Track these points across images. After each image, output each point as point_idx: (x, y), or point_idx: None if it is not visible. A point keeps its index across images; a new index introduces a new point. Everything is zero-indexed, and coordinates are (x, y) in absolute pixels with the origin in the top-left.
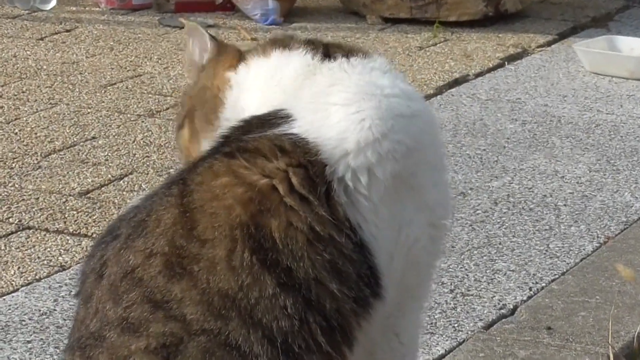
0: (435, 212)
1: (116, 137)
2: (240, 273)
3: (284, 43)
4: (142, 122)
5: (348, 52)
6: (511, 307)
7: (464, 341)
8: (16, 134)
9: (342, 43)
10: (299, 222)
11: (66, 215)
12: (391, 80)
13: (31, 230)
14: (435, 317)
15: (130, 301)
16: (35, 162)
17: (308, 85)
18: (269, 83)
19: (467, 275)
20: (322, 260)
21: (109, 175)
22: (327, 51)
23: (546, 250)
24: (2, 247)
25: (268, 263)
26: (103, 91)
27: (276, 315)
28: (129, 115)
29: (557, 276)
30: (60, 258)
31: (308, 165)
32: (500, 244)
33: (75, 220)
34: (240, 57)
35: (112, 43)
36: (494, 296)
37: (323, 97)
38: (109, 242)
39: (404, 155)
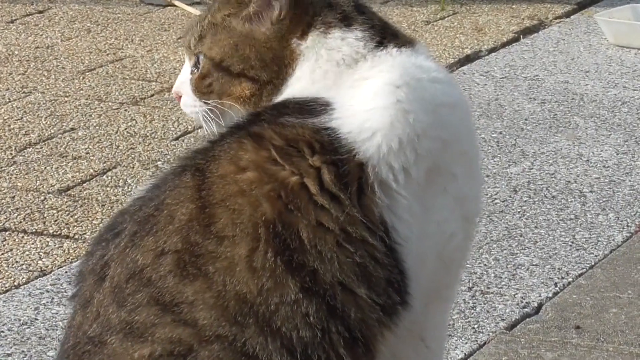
0: (469, 205)
1: (97, 127)
2: (261, 275)
3: (346, 19)
4: (125, 110)
5: (403, 44)
6: (535, 305)
7: (485, 343)
8: None
9: (400, 32)
10: (329, 222)
11: (45, 215)
12: (434, 64)
13: (7, 232)
14: (453, 317)
15: (135, 303)
16: (10, 157)
17: (351, 73)
18: (318, 65)
19: (487, 271)
20: (352, 263)
21: (91, 170)
22: (382, 39)
23: (572, 242)
24: None
25: (294, 265)
26: (81, 77)
27: (297, 323)
28: (110, 104)
29: (584, 270)
30: (40, 262)
31: (341, 162)
32: (521, 236)
33: (56, 220)
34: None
35: (89, 24)
36: (517, 293)
37: (364, 83)
38: (111, 240)
39: (441, 149)
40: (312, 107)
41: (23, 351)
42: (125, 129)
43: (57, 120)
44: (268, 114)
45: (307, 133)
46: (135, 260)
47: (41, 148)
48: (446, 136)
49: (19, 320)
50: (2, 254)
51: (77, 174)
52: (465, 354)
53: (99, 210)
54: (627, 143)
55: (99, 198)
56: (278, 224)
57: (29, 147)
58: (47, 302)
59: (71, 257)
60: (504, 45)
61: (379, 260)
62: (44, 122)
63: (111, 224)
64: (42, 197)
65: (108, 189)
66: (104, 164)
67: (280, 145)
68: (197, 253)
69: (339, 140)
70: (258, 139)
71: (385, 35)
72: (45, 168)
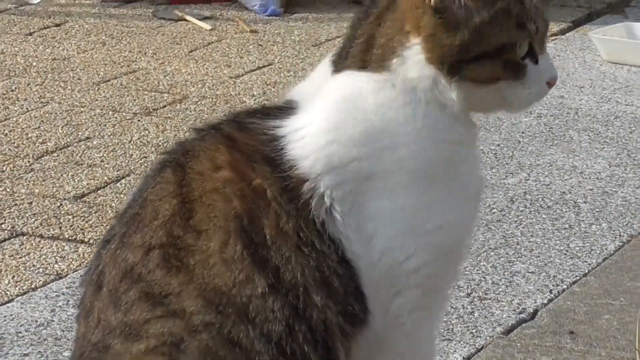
0: (418, 220)
1: (111, 137)
2: (233, 268)
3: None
4: (139, 120)
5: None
6: (531, 311)
7: (482, 348)
8: (6, 135)
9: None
10: (286, 225)
11: (61, 221)
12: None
13: (25, 237)
14: (452, 322)
15: (129, 302)
16: (27, 164)
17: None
18: None
19: (484, 278)
20: (309, 267)
21: (105, 178)
22: (345, 59)
23: (566, 251)
24: None
25: (258, 259)
26: (96, 88)
27: (267, 316)
28: (124, 114)
29: (578, 278)
30: (56, 266)
31: (285, 177)
32: (518, 244)
33: (71, 226)
34: None
35: (104, 37)
36: (513, 300)
37: (317, 97)
38: (103, 248)
39: (373, 167)
40: (283, 109)
41: (40, 351)
42: (139, 138)
43: (73, 130)
44: (243, 115)
45: (262, 140)
46: (126, 259)
47: (57, 156)
48: (378, 150)
49: (36, 321)
50: (20, 257)
51: (92, 181)
52: (463, 357)
53: (113, 216)
54: (619, 156)
55: (113, 204)
56: (245, 218)
57: (46, 155)
58: (63, 304)
59: (86, 261)
60: None
61: (335, 270)
62: (60, 131)
63: (106, 234)
64: (59, 203)
65: (122, 196)
66: (118, 172)
67: (244, 150)
68: (180, 246)
69: (284, 153)
70: (231, 141)
71: (347, 56)
72: (61, 175)
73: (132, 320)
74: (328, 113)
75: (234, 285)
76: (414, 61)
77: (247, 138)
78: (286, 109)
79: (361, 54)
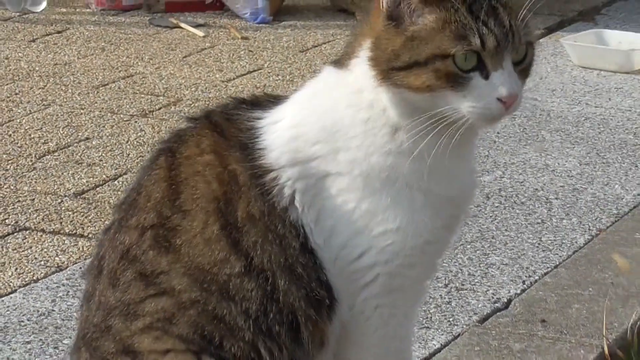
0: (370, 218)
1: (110, 137)
2: (213, 248)
3: None
4: (135, 122)
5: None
6: (505, 300)
7: (459, 335)
8: (10, 135)
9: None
10: (254, 209)
11: (62, 216)
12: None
13: (27, 232)
14: (431, 311)
15: (126, 282)
16: (30, 163)
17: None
18: None
19: (461, 269)
20: (274, 252)
21: (104, 176)
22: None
23: (539, 244)
24: None
25: (231, 240)
26: (96, 92)
27: (244, 295)
28: (122, 116)
29: (550, 269)
30: (57, 258)
31: (256, 166)
32: (493, 238)
33: (71, 221)
34: None
35: (103, 44)
36: (488, 290)
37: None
38: (104, 235)
39: (330, 161)
40: (272, 101)
41: (41, 339)
42: (135, 138)
43: (74, 131)
44: (232, 105)
45: (242, 129)
46: (123, 241)
47: (59, 155)
48: (335, 147)
49: (38, 311)
50: (23, 251)
51: (91, 179)
52: (441, 344)
53: (111, 212)
54: (589, 155)
55: (111, 201)
56: (222, 200)
57: (48, 155)
58: (63, 295)
59: (85, 254)
60: None
61: (297, 257)
62: (61, 132)
63: (106, 225)
64: (59, 200)
65: (119, 192)
66: (116, 170)
67: (227, 136)
68: (168, 226)
69: (258, 142)
70: (217, 128)
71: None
72: (62, 174)
73: (129, 299)
74: (297, 108)
75: (214, 264)
76: (363, 62)
77: (231, 126)
78: (275, 101)
79: (343, 51)
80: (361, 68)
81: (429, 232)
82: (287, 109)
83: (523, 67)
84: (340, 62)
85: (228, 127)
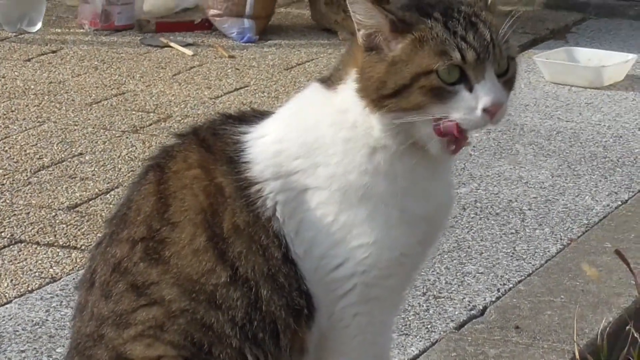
0: (347, 231)
1: (102, 152)
2: (200, 259)
3: None
4: (127, 138)
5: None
6: (481, 307)
7: (436, 341)
8: (6, 151)
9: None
10: (239, 219)
11: (56, 229)
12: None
13: (23, 244)
14: (409, 319)
15: (118, 294)
16: (25, 178)
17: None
18: None
19: (439, 278)
20: (258, 262)
21: (96, 190)
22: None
23: (513, 253)
24: None
25: (217, 251)
26: (89, 109)
27: (230, 304)
28: (114, 132)
29: (523, 277)
30: (51, 270)
31: (241, 179)
32: (469, 247)
33: (65, 234)
34: None
35: (96, 63)
36: (465, 298)
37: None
38: (96, 249)
39: (310, 175)
40: (258, 116)
41: (35, 348)
42: (127, 154)
43: (67, 146)
44: (220, 120)
45: (229, 143)
46: (114, 254)
47: (53, 170)
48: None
49: (32, 321)
50: (18, 263)
51: (84, 193)
52: (419, 350)
53: (103, 224)
54: (561, 167)
55: (103, 214)
56: (209, 212)
57: (42, 170)
58: (57, 305)
59: (78, 266)
60: None
61: (280, 267)
62: (55, 148)
63: (97, 240)
64: (54, 213)
65: (111, 206)
66: (108, 185)
67: (213, 150)
68: (158, 239)
69: (243, 156)
70: (204, 143)
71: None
72: (56, 188)
73: (121, 310)
74: (281, 123)
75: (202, 274)
76: (350, 89)
77: (218, 141)
78: (261, 116)
79: (330, 72)
80: (347, 93)
81: (404, 246)
82: (272, 125)
83: (506, 79)
84: (328, 82)
85: (214, 142)
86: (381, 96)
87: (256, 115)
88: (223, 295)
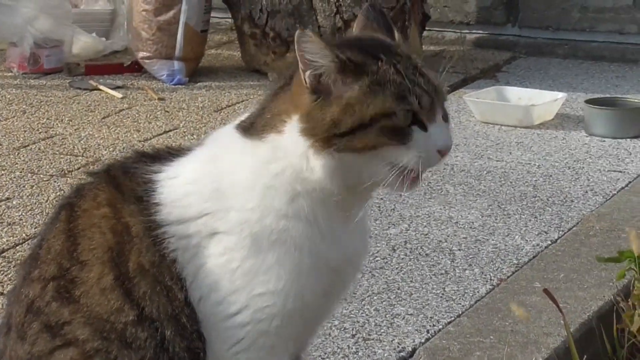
0: (241, 276)
1: (30, 197)
2: (109, 297)
3: None
4: (55, 182)
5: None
6: (410, 349)
7: None
8: None
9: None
10: (146, 262)
11: None
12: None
13: None
14: None
15: (33, 335)
16: None
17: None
18: None
19: (368, 320)
20: (162, 303)
21: (24, 234)
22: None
23: (442, 294)
24: None
25: (124, 290)
26: (16, 153)
27: (140, 344)
28: (41, 176)
29: (453, 318)
30: None
31: (149, 220)
32: (398, 289)
33: None
34: None
35: (24, 106)
36: (394, 339)
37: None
38: (11, 293)
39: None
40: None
41: None
42: (55, 198)
43: None
44: (132, 159)
45: (139, 182)
46: (27, 294)
47: None
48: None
49: None
50: None
51: (11, 238)
52: None
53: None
54: (490, 207)
55: None
56: (115, 251)
57: None
58: None
59: (3, 312)
60: None
61: (182, 308)
62: None
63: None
64: None
65: None
66: (35, 229)
67: (123, 189)
68: (68, 278)
69: (153, 196)
70: (114, 181)
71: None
72: None
73: (37, 351)
74: (196, 166)
75: (111, 313)
76: (289, 136)
77: (128, 179)
78: (176, 154)
79: (250, 119)
80: (285, 141)
81: (310, 295)
82: (186, 166)
83: (447, 121)
84: (250, 131)
85: (124, 181)
86: (332, 135)
87: (171, 153)
88: (132, 334)
